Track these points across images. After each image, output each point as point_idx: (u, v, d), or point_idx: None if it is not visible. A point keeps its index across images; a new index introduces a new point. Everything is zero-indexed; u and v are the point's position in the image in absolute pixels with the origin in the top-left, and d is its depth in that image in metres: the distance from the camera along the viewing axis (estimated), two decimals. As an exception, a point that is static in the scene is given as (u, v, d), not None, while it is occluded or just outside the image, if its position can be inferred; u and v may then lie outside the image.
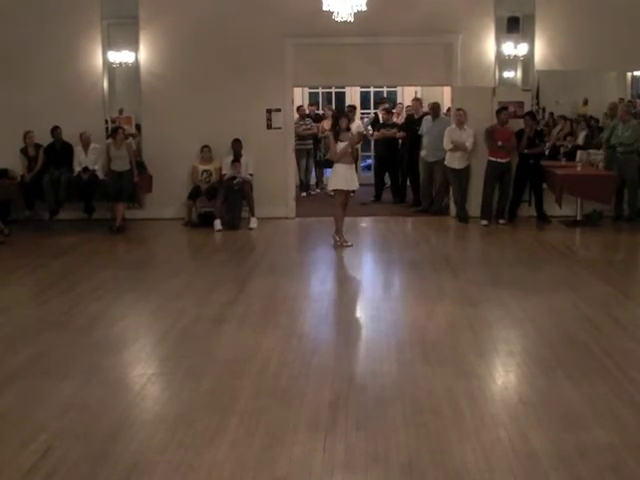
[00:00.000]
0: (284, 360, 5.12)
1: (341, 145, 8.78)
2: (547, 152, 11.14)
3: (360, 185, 9.61)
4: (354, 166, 9.04)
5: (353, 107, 13.96)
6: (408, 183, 12.39)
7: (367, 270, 8.57)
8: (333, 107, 14.45)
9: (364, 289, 7.51)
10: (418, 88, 13.74)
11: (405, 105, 13.83)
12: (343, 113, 9.95)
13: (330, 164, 11.72)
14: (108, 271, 7.97)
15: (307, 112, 13.88)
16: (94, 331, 5.87)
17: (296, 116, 13.43)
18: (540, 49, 10.75)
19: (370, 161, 14.67)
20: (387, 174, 12.81)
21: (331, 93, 15.35)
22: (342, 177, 8.86)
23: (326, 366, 5.01)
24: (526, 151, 10.38)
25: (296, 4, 10.43)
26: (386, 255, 9.08)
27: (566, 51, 10.67)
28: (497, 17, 10.78)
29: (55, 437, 3.97)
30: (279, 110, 10.93)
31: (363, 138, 12.28)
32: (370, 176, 13.48)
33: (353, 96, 14.93)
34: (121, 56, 11.01)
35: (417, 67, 10.94)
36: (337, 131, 8.88)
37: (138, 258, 8.99)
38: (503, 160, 10.40)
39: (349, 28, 9.57)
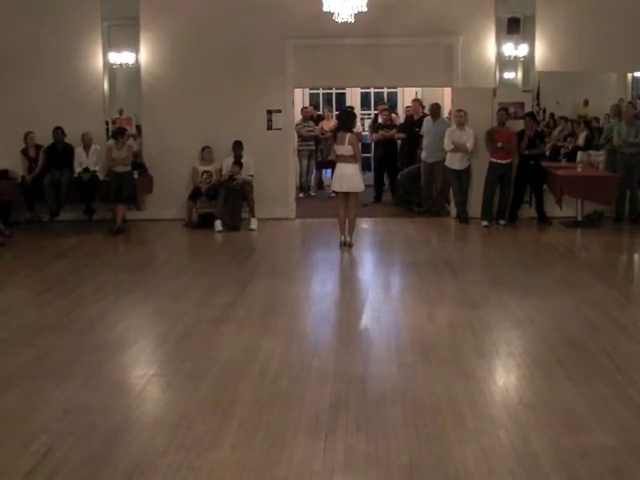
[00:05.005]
0: (285, 362, 5.12)
1: (341, 147, 8.76)
2: (547, 153, 11.14)
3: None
4: (355, 166, 8.92)
5: (351, 108, 13.94)
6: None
7: (368, 271, 8.57)
8: (333, 108, 14.46)
9: (365, 290, 7.51)
10: (418, 89, 13.76)
11: (405, 106, 13.87)
12: (350, 114, 9.85)
13: (329, 164, 11.76)
14: (108, 272, 7.97)
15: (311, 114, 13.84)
16: (94, 333, 5.87)
17: (300, 117, 13.47)
18: (540, 50, 10.75)
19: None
20: (386, 175, 12.87)
21: (331, 94, 15.35)
22: (339, 178, 8.85)
23: (326, 368, 5.01)
24: (526, 152, 10.38)
25: (296, 5, 10.43)
26: (386, 256, 9.10)
27: (566, 52, 10.66)
28: (498, 18, 10.77)
29: (55, 439, 3.97)
30: (280, 111, 10.93)
31: (360, 139, 12.28)
32: (370, 177, 13.48)
33: (353, 97, 14.94)
34: (122, 57, 11.01)
35: (418, 68, 10.95)
36: (334, 133, 8.85)
37: (138, 259, 8.97)
38: (504, 161, 10.40)
39: (350, 29, 9.59)
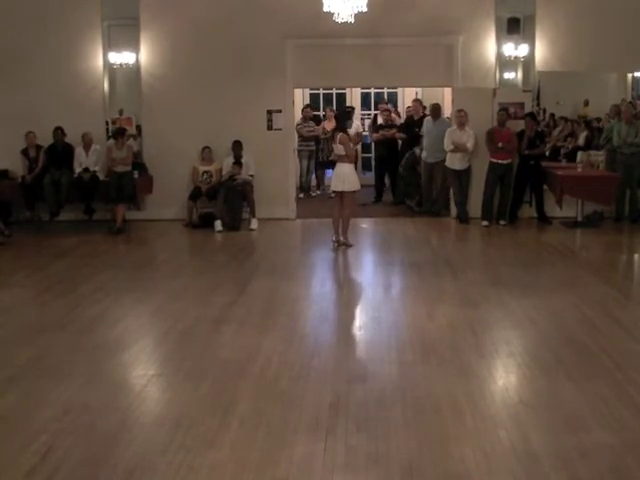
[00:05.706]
0: (285, 361, 5.12)
1: (336, 147, 8.84)
2: (547, 153, 11.14)
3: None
4: (350, 166, 8.99)
5: (352, 108, 13.95)
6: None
7: (367, 271, 8.57)
8: (334, 108, 14.46)
9: (364, 290, 7.51)
10: (419, 89, 13.76)
11: (405, 107, 13.87)
12: (345, 114, 9.93)
13: (330, 164, 11.77)
14: (108, 272, 7.97)
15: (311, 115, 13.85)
16: (94, 332, 5.87)
17: (300, 117, 13.47)
18: (541, 50, 10.75)
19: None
20: (387, 175, 12.87)
21: (332, 94, 15.35)
22: (335, 177, 8.97)
23: (326, 367, 5.01)
24: (527, 152, 10.38)
25: (297, 5, 10.44)
26: (386, 256, 9.10)
27: (567, 52, 10.66)
28: (497, 18, 10.77)
29: (55, 438, 3.97)
30: (280, 111, 10.93)
31: (362, 139, 12.30)
32: (370, 177, 13.49)
33: (354, 97, 14.94)
34: (122, 57, 11.01)
35: (418, 68, 10.96)
36: (333, 133, 8.96)
37: (138, 259, 8.98)
38: (504, 161, 10.40)
39: (350, 29, 9.60)
